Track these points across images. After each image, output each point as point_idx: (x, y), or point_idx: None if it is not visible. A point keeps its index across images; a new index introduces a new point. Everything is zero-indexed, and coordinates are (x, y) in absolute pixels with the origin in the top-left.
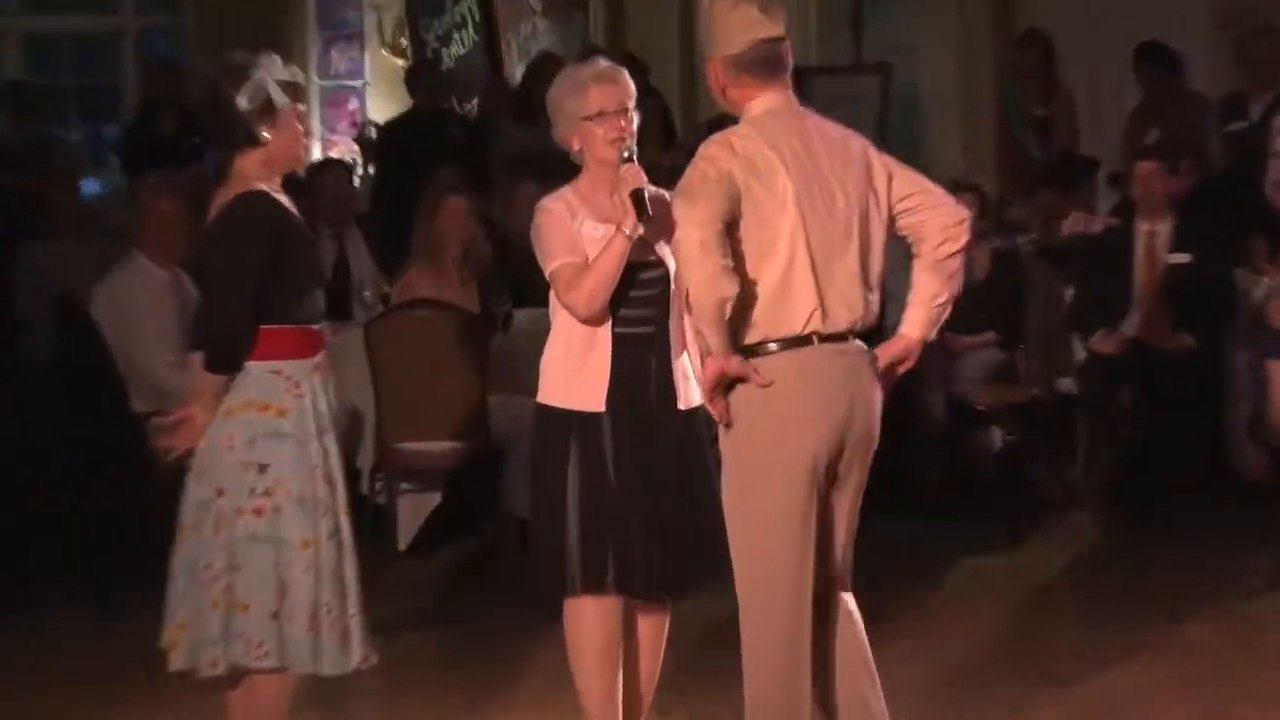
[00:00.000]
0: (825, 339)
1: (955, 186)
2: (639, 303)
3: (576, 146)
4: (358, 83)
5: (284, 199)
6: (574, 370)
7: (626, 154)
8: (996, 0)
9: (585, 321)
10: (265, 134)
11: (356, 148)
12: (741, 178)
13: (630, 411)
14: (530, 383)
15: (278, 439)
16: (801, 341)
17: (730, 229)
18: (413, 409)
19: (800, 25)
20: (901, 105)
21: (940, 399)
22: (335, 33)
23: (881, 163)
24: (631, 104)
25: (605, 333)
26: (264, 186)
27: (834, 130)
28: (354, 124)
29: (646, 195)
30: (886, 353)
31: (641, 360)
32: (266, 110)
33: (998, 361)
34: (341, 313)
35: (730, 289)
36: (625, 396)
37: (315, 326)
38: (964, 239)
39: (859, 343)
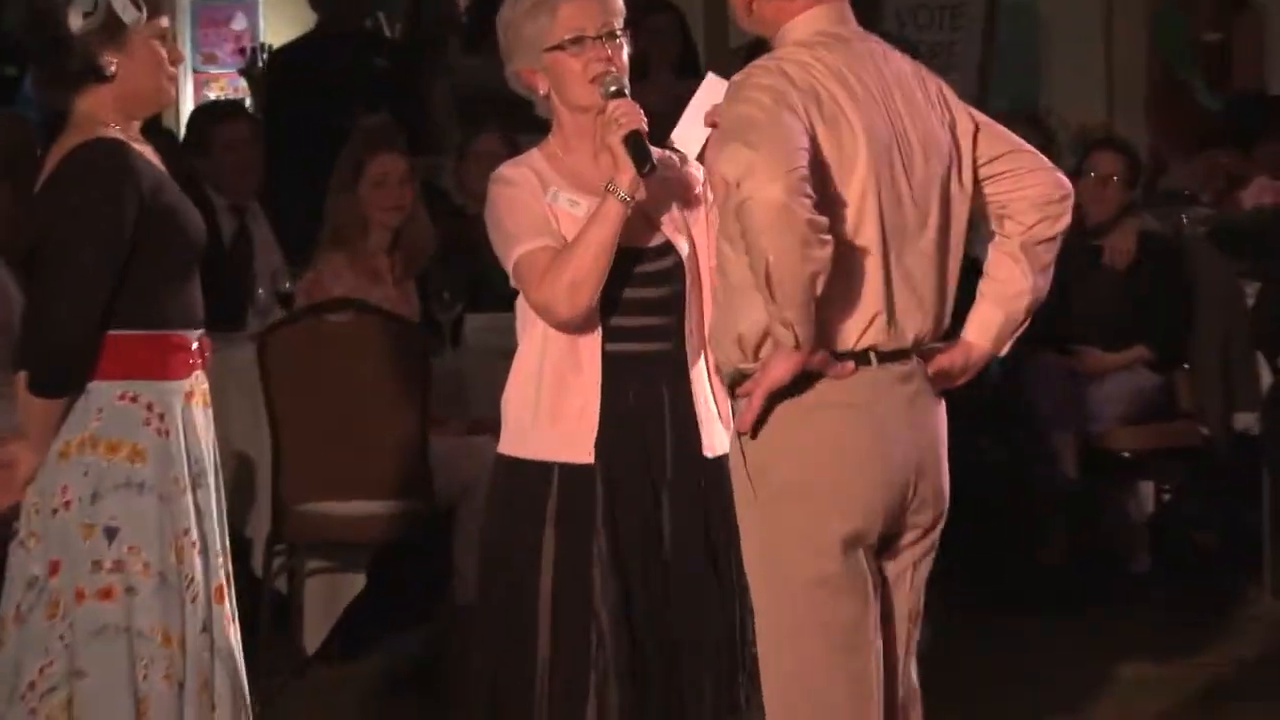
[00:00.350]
0: (885, 357)
1: (1092, 141)
2: (641, 307)
3: (543, 89)
4: None
5: (147, 151)
6: (550, 405)
7: (613, 88)
8: None
9: (563, 328)
10: (111, 64)
11: (245, 84)
12: (806, 116)
13: (632, 464)
14: (489, 419)
15: (132, 492)
16: (854, 359)
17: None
18: (325, 455)
19: None
20: (1015, 23)
21: (1070, 443)
22: None
23: (965, 111)
24: (619, 24)
25: (593, 349)
26: (117, 133)
27: (904, 63)
28: (241, 51)
29: (650, 145)
30: (941, 360)
31: (648, 389)
32: (110, 31)
33: (1150, 388)
34: (232, 319)
35: (825, 255)
36: (625, 442)
37: (191, 335)
38: (1065, 220)
39: (920, 363)
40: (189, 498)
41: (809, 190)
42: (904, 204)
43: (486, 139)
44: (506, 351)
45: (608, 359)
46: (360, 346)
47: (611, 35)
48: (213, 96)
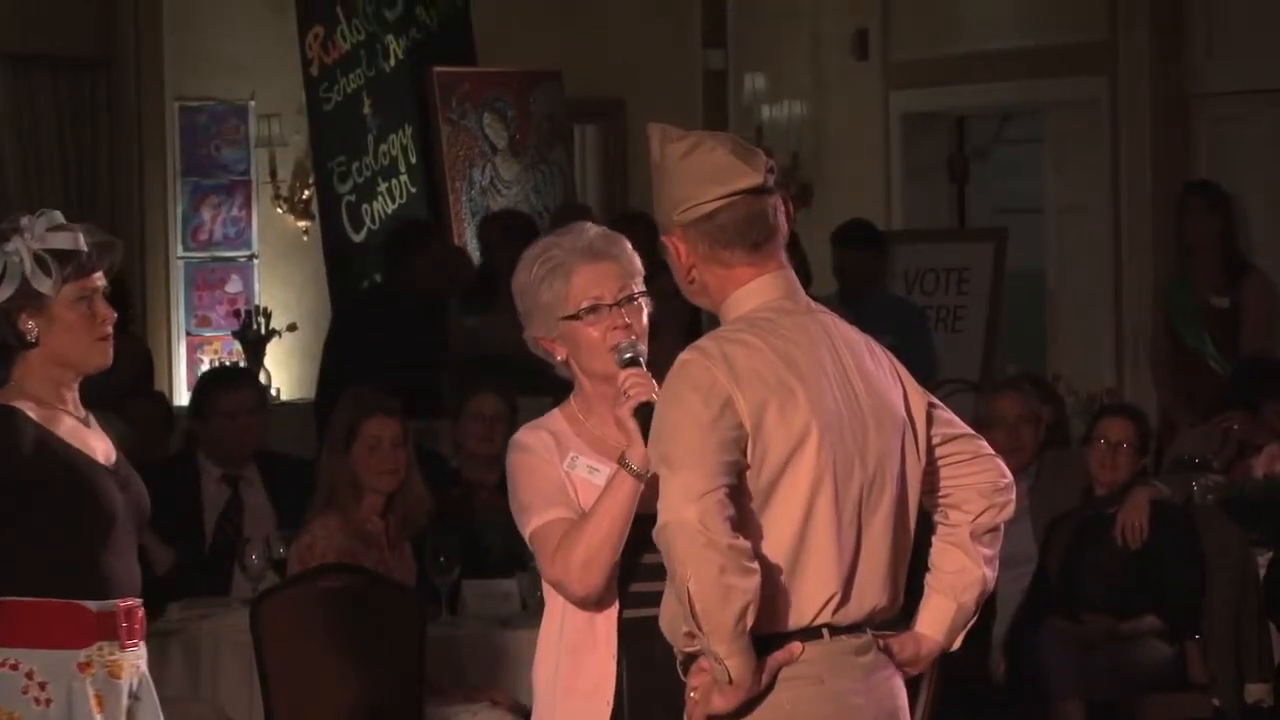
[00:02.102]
0: (838, 632)
1: (1101, 408)
2: (659, 572)
3: (561, 356)
4: (241, 254)
5: (82, 420)
6: (568, 680)
7: (628, 355)
8: (1166, 142)
9: (581, 603)
10: (33, 330)
11: (239, 347)
12: (747, 407)
13: None
14: (487, 686)
15: None
16: (806, 635)
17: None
18: None
19: (882, 175)
20: (1023, 289)
21: (1078, 712)
22: (206, 182)
23: (917, 389)
24: (638, 286)
25: (609, 620)
26: (17, 403)
27: (852, 332)
28: (236, 314)
29: None
30: (890, 648)
31: (667, 660)
32: (29, 296)
33: (1161, 658)
34: (216, 586)
35: (751, 588)
36: (651, 709)
37: (92, 605)
38: (1010, 510)
39: (874, 636)
40: None
41: (727, 509)
42: (858, 477)
43: (483, 400)
44: (505, 619)
45: (626, 626)
46: (354, 612)
47: (630, 298)
48: (206, 360)
